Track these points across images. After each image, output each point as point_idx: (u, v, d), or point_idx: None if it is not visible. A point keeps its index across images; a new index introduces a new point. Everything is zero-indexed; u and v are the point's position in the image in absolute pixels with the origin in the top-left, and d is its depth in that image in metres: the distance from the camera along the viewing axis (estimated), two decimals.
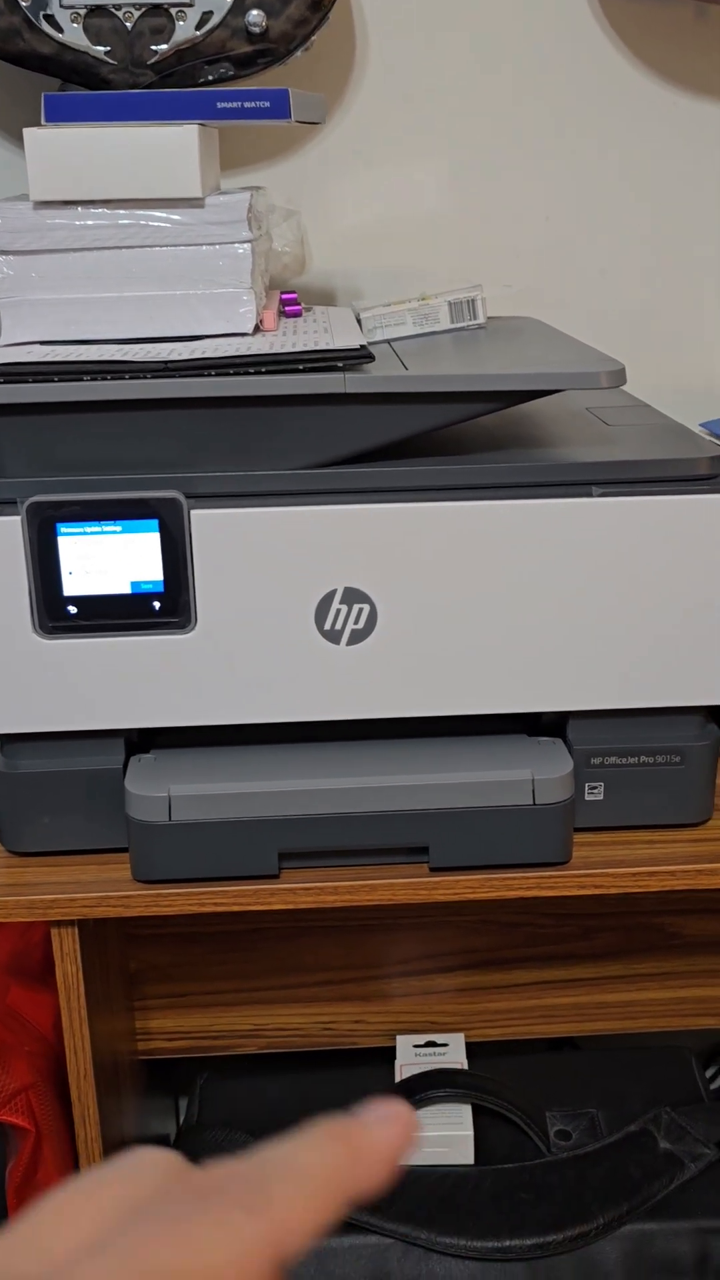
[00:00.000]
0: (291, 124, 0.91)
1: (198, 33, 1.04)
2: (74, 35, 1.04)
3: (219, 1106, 1.13)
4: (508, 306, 1.21)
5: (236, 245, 0.91)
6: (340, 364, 0.84)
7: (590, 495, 0.85)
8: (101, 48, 1.05)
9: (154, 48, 1.05)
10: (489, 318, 1.09)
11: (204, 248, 0.91)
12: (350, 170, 1.21)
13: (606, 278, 1.25)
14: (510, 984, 1.15)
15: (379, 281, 1.24)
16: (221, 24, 1.04)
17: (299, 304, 1.05)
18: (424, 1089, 1.07)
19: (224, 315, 0.92)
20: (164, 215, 0.91)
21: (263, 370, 0.84)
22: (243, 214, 0.91)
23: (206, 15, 1.05)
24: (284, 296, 1.07)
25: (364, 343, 0.87)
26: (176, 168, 0.90)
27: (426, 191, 1.22)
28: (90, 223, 0.90)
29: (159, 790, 0.84)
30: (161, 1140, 1.24)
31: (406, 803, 0.86)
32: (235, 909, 0.88)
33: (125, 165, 0.89)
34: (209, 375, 0.83)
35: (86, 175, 0.89)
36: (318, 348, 0.86)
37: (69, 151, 0.89)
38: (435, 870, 0.87)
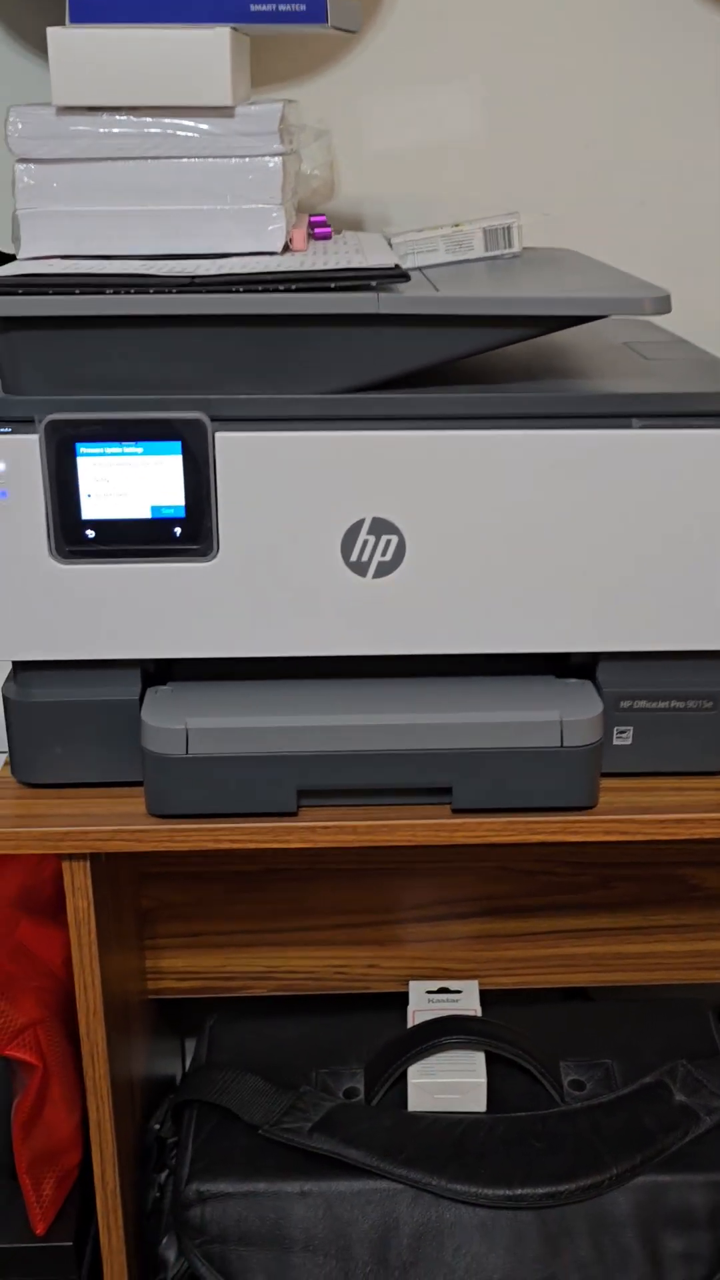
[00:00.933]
0: (327, 30, 0.87)
1: None
2: None
3: (227, 1048, 1.10)
4: (542, 237, 1.17)
5: (267, 158, 0.87)
6: (373, 283, 0.81)
7: (630, 427, 0.82)
8: None
9: None
10: (524, 248, 1.05)
11: (233, 160, 0.87)
12: (382, 91, 1.16)
13: (646, 209, 1.20)
14: (527, 932, 1.13)
15: (409, 210, 1.19)
16: None
17: (328, 226, 1.01)
18: (436, 1035, 1.05)
19: (252, 232, 0.88)
20: (192, 124, 0.87)
21: (292, 288, 0.80)
22: (274, 125, 0.87)
23: None
24: (313, 219, 1.03)
25: (398, 263, 0.83)
26: (206, 74, 0.85)
27: (461, 115, 1.17)
28: (115, 130, 0.86)
29: (176, 723, 0.82)
30: (168, 1081, 1.22)
31: (430, 742, 0.84)
32: (251, 846, 0.85)
33: (153, 70, 0.85)
34: (236, 291, 0.80)
35: (112, 80, 0.85)
36: (350, 266, 0.82)
37: (94, 54, 0.85)
38: (457, 812, 0.85)
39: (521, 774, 0.84)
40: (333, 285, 0.80)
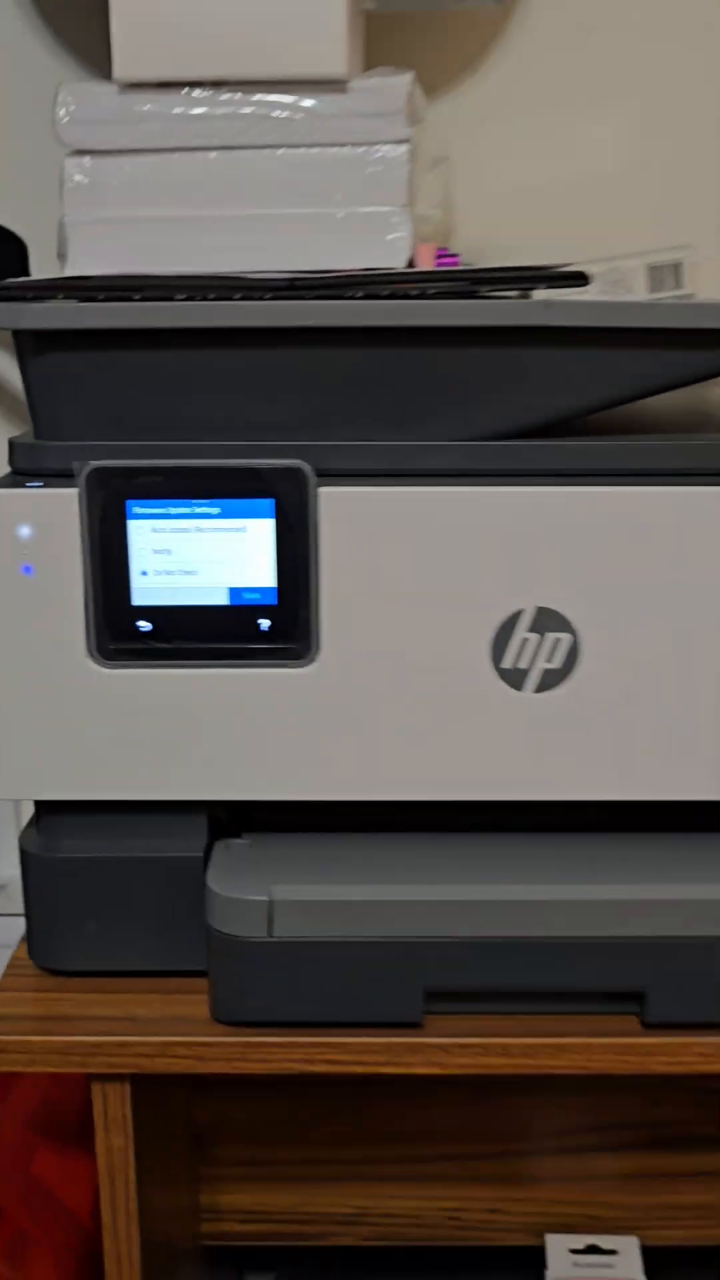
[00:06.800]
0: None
1: None
2: None
3: None
4: (714, 286, 0.98)
5: (390, 147, 0.72)
6: (542, 286, 0.61)
7: None
8: None
9: None
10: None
11: (346, 149, 0.72)
12: (514, 115, 1.01)
13: None
14: (702, 1170, 0.97)
15: (541, 260, 1.02)
16: None
17: (455, 256, 0.84)
18: None
19: (368, 243, 0.74)
20: (294, 102, 0.71)
21: (429, 292, 0.62)
22: (400, 104, 0.72)
23: None
24: (438, 250, 0.85)
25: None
26: (314, 36, 0.70)
27: (607, 145, 1.02)
28: (193, 112, 0.72)
29: (256, 892, 0.67)
30: None
31: (614, 926, 0.65)
32: (359, 1070, 0.67)
33: (243, 33, 0.71)
34: (352, 298, 0.62)
35: (190, 47, 0.71)
36: (505, 265, 0.62)
37: (168, 13, 0.70)
38: (650, 1027, 0.67)
39: None
40: (485, 290, 0.61)
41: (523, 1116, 0.96)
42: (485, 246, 1.04)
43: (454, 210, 1.03)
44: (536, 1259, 0.93)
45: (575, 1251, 0.92)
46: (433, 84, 1.00)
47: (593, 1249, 0.93)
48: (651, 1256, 0.92)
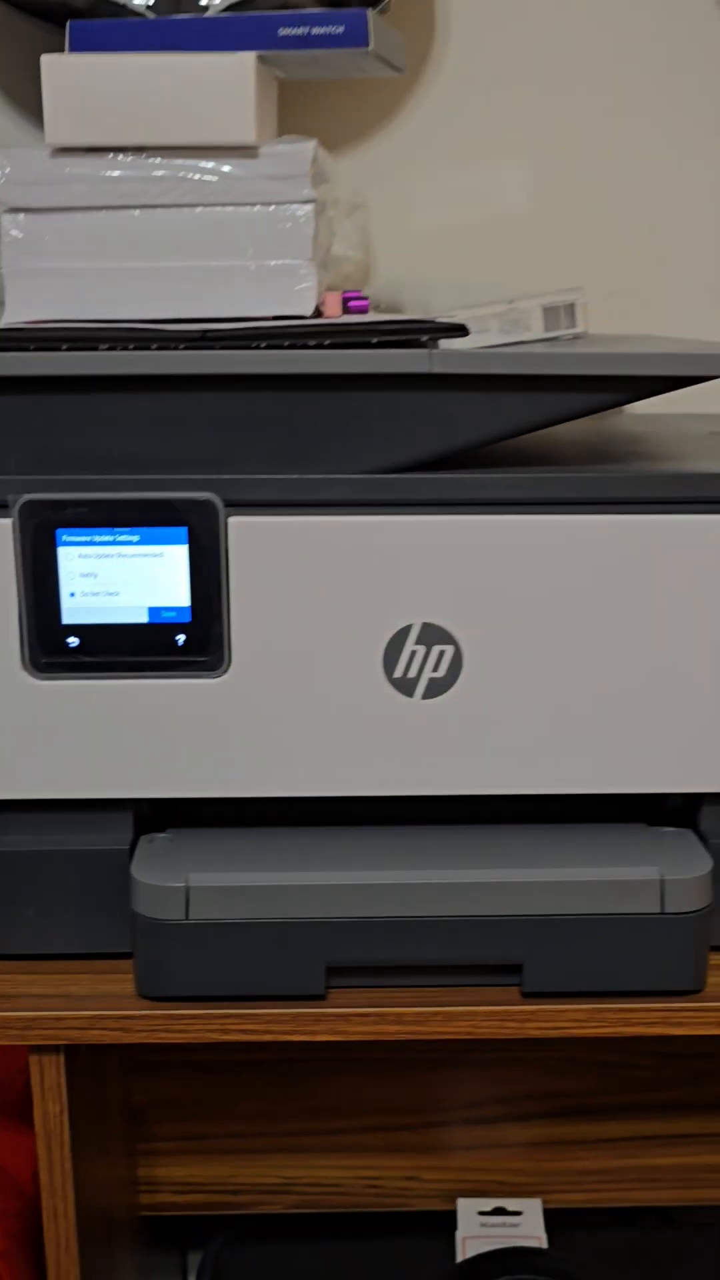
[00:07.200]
0: (368, 58, 0.75)
1: None
2: None
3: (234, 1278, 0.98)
4: (606, 323, 1.04)
5: (297, 206, 0.77)
6: (425, 338, 0.67)
7: None
8: (144, 0, 0.89)
9: (204, 2, 0.90)
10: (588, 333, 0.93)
11: (256, 208, 0.77)
12: (425, 163, 1.06)
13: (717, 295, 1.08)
14: (599, 1138, 1.02)
15: (454, 295, 1.08)
16: None
17: (365, 299, 0.89)
18: (493, 1273, 0.87)
19: (277, 293, 0.77)
20: (210, 166, 0.76)
21: (325, 343, 0.68)
22: (305, 167, 0.77)
23: None
24: (346, 294, 0.91)
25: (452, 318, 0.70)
26: (227, 107, 0.75)
27: (513, 191, 1.07)
28: (118, 174, 0.76)
29: (175, 879, 0.71)
30: None
31: (495, 906, 0.71)
32: (268, 1039, 0.72)
33: (164, 104, 0.75)
34: (257, 348, 0.68)
35: (116, 115, 0.75)
36: (396, 319, 0.69)
37: (96, 85, 0.75)
38: (529, 996, 0.72)
39: (611, 948, 0.71)
40: (375, 341, 0.68)
41: (436, 1090, 1.00)
42: (402, 284, 1.10)
43: (372, 251, 1.09)
44: (448, 1222, 0.98)
45: (483, 1214, 0.97)
46: (348, 135, 1.06)
47: (499, 1211, 0.97)
48: (553, 1217, 0.97)
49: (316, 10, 0.75)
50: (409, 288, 1.10)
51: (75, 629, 0.70)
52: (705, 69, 1.05)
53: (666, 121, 1.06)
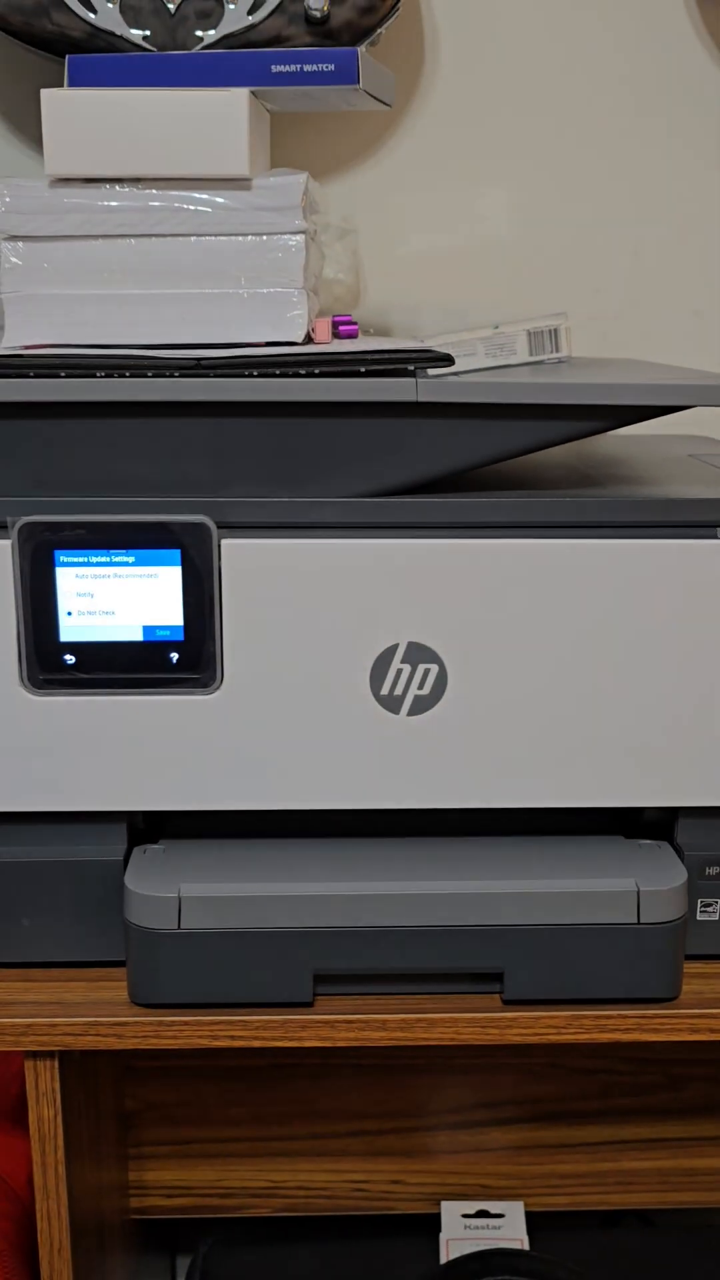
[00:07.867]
0: (358, 94, 0.77)
1: (250, 18, 0.91)
2: (109, 18, 0.91)
3: None
4: (590, 345, 1.06)
5: (288, 236, 0.78)
6: (411, 367, 0.69)
7: (715, 536, 0.70)
8: (139, 32, 0.91)
9: (199, 33, 0.92)
10: (572, 355, 0.94)
11: (249, 238, 0.78)
12: (413, 190, 1.08)
13: (703, 319, 1.10)
14: (580, 1142, 1.01)
15: (442, 318, 1.10)
16: (278, 8, 0.91)
17: (355, 324, 0.91)
18: (476, 1274, 0.88)
19: (269, 319, 0.79)
20: (204, 198, 0.78)
21: (315, 372, 0.69)
22: (297, 199, 0.78)
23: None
24: (337, 318, 0.93)
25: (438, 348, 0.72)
26: (221, 141, 0.77)
27: (498, 217, 1.09)
28: (115, 204, 0.78)
29: (167, 890, 0.72)
30: None
31: (476, 916, 0.72)
32: (257, 1044, 0.73)
33: (160, 137, 0.76)
34: (249, 376, 0.69)
35: (113, 148, 0.77)
36: (383, 348, 0.71)
37: (94, 118, 0.77)
38: (509, 1004, 0.74)
39: (589, 957, 0.72)
40: (363, 370, 0.69)
41: (420, 1096, 1.00)
42: (391, 307, 1.12)
43: (362, 275, 1.11)
44: (433, 1224, 0.98)
45: (467, 1216, 0.97)
46: (339, 162, 1.08)
47: (482, 1213, 0.98)
48: (534, 1220, 0.97)
49: (308, 49, 0.77)
50: (398, 310, 1.12)
51: (72, 647, 0.71)
52: (686, 98, 1.07)
53: (647, 148, 1.09)
